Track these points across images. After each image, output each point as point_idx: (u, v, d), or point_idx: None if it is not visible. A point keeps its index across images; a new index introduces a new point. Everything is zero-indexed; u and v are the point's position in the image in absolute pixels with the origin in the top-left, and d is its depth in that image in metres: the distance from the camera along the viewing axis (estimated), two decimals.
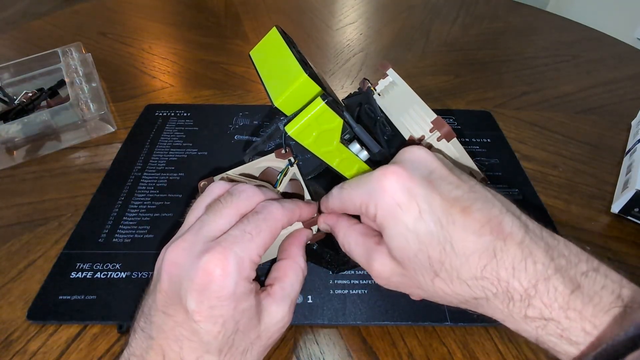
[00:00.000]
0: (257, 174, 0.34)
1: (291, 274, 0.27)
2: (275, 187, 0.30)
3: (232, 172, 0.32)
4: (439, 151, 0.28)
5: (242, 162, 0.33)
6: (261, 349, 0.25)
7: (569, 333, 0.20)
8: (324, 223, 0.29)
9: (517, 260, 0.20)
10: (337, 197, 0.26)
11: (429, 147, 0.27)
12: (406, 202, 0.22)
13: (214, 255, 0.22)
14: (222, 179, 0.30)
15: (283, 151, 0.32)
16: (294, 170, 0.31)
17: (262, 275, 0.28)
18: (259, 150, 0.27)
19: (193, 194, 0.44)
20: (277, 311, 0.25)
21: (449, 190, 0.22)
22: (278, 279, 0.27)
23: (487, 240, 0.21)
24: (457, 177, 0.23)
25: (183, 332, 0.23)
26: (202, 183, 0.31)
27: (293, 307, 0.26)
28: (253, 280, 0.24)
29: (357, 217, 0.28)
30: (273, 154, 0.33)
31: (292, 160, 0.32)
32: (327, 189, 0.28)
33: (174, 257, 0.23)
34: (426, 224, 0.22)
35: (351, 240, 0.27)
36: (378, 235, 0.26)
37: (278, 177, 0.31)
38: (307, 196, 0.30)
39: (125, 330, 0.33)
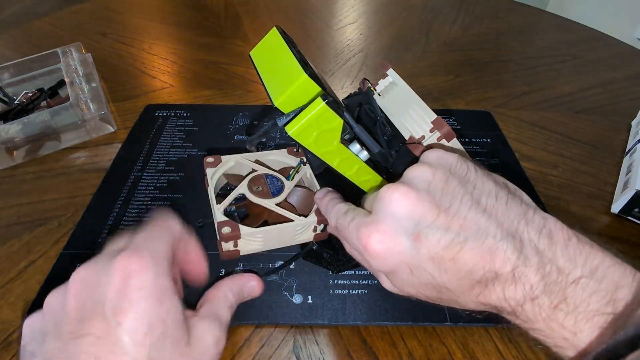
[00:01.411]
0: (267, 164, 0.35)
1: (219, 299, 0.27)
2: (288, 180, 0.33)
3: (242, 157, 0.33)
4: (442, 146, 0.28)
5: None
6: None
7: (552, 339, 0.22)
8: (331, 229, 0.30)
9: (508, 284, 0.21)
10: (339, 230, 0.27)
11: (428, 147, 0.27)
12: (396, 266, 0.23)
13: (127, 253, 0.22)
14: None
15: (295, 150, 0.34)
16: (307, 169, 0.33)
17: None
18: (254, 143, 0.27)
19: (193, 193, 0.44)
20: (207, 329, 0.24)
21: (437, 239, 0.21)
22: (207, 301, 0.27)
23: (479, 275, 0.21)
24: (446, 213, 0.22)
25: (103, 348, 0.20)
26: (208, 159, 0.32)
27: (224, 330, 0.25)
28: (174, 286, 0.23)
29: None
30: (285, 150, 0.34)
31: (305, 160, 0.33)
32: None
33: (81, 276, 0.22)
34: (419, 278, 0.23)
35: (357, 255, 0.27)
36: None
37: (291, 173, 0.34)
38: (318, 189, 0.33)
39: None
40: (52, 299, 0.23)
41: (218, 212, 0.30)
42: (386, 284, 0.27)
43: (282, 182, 0.33)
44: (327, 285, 0.36)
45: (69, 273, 0.36)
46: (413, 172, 0.23)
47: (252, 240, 0.28)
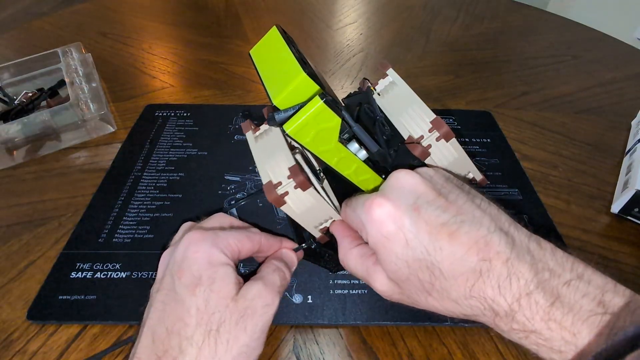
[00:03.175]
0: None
1: (263, 266, 0.30)
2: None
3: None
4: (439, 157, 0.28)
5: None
6: (238, 329, 0.25)
7: (551, 343, 0.21)
8: (332, 229, 0.32)
9: (502, 278, 0.21)
10: (343, 213, 0.29)
11: (428, 148, 0.27)
12: (393, 233, 0.23)
13: (194, 230, 0.28)
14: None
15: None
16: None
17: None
18: (242, 204, 0.28)
19: (193, 193, 0.44)
20: (250, 287, 0.27)
21: (436, 216, 0.23)
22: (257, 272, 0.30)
23: (473, 262, 0.22)
24: (445, 198, 0.23)
25: (169, 298, 0.25)
26: (246, 122, 0.32)
27: (269, 289, 0.27)
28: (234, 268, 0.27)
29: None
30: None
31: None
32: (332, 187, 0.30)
33: (166, 252, 0.29)
34: (414, 252, 0.23)
35: (350, 262, 0.29)
36: (375, 254, 0.27)
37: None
38: (332, 194, 0.32)
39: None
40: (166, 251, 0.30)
41: (290, 155, 0.27)
42: (378, 283, 0.26)
43: (315, 169, 0.32)
44: (327, 285, 0.36)
45: (69, 273, 0.36)
46: (421, 168, 0.26)
47: (304, 199, 0.27)
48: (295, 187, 0.26)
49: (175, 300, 0.25)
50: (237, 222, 0.32)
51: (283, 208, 0.27)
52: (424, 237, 0.22)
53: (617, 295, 0.21)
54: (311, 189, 0.26)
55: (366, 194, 0.27)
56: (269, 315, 0.27)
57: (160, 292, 0.26)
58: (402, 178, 0.25)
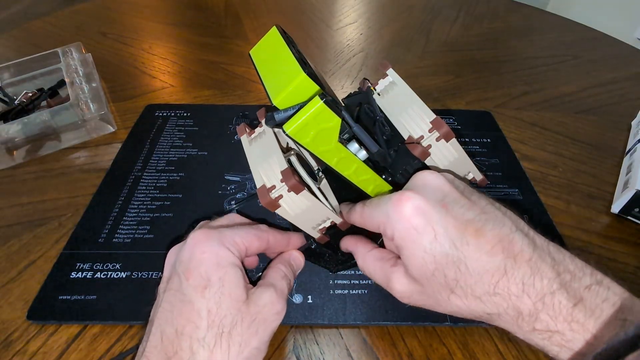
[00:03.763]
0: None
1: (270, 272, 0.30)
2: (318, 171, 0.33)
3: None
4: (447, 171, 0.28)
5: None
6: (249, 331, 0.25)
7: (572, 344, 0.21)
8: (344, 245, 0.32)
9: (527, 276, 0.22)
10: (359, 214, 0.28)
11: (428, 149, 0.27)
12: (422, 226, 0.23)
13: (200, 230, 0.27)
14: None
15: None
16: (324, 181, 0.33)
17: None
18: (242, 205, 0.29)
19: (193, 193, 0.44)
20: (261, 293, 0.27)
21: (462, 213, 0.23)
22: (262, 277, 0.30)
23: (499, 259, 0.22)
24: (468, 199, 0.24)
25: (177, 299, 0.25)
26: (241, 125, 0.32)
27: (280, 295, 0.28)
28: (241, 267, 0.27)
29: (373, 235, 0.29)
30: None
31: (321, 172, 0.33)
32: (332, 187, 0.30)
33: (172, 251, 0.29)
34: (442, 246, 0.23)
35: (369, 266, 0.29)
36: (394, 257, 0.27)
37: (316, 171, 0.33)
38: (333, 199, 0.32)
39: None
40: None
41: (283, 159, 0.27)
42: (399, 284, 0.26)
43: (313, 169, 0.32)
44: (328, 285, 0.36)
45: (69, 273, 0.36)
46: (442, 173, 0.26)
47: (299, 201, 0.27)
48: (289, 191, 0.26)
49: (183, 302, 0.25)
50: (247, 221, 0.32)
51: (278, 211, 0.27)
52: (452, 231, 0.23)
53: (635, 303, 0.21)
54: (305, 192, 0.26)
55: (388, 193, 0.27)
56: (278, 322, 0.27)
57: (168, 292, 0.26)
58: (428, 177, 0.25)
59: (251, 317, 0.26)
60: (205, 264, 0.26)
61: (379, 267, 0.28)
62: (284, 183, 0.26)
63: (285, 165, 0.26)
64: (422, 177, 0.26)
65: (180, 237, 0.31)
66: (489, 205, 0.24)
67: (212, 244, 0.26)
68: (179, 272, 0.26)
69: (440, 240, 0.23)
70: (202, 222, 0.31)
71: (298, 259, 0.32)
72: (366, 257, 0.29)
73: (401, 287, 0.26)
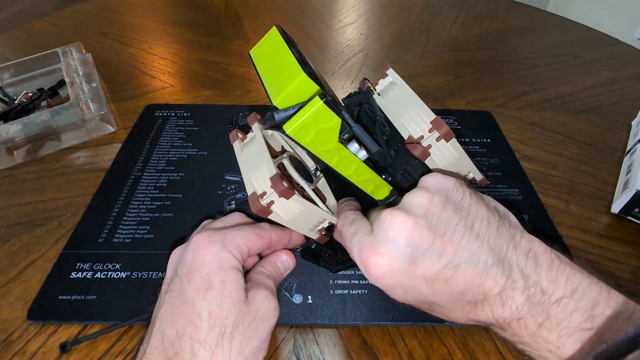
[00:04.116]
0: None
1: (256, 274, 0.30)
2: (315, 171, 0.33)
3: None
4: (449, 172, 0.28)
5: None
6: (249, 331, 0.26)
7: (538, 351, 0.24)
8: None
9: (496, 306, 0.23)
10: (342, 236, 0.28)
11: (428, 149, 0.27)
12: (392, 287, 0.25)
13: (203, 232, 0.27)
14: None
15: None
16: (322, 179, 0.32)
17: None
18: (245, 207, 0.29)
19: (193, 193, 0.44)
20: (257, 292, 0.27)
21: (432, 263, 0.23)
22: (248, 280, 0.29)
23: (469, 296, 0.23)
24: (441, 239, 0.23)
25: (178, 300, 0.25)
26: (233, 132, 0.31)
27: (273, 294, 0.28)
28: (240, 268, 0.27)
29: None
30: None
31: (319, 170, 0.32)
32: (332, 186, 0.31)
33: (176, 252, 0.29)
34: (413, 296, 0.25)
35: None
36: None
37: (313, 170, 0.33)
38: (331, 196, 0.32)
39: (69, 349, 0.32)
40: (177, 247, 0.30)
41: (272, 165, 0.27)
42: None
43: (308, 170, 0.32)
44: (327, 285, 0.36)
45: (69, 273, 0.36)
46: (412, 198, 0.25)
47: (291, 206, 0.27)
48: (279, 196, 0.26)
49: (185, 304, 0.25)
50: (250, 220, 0.32)
51: (271, 217, 0.27)
52: (422, 286, 0.24)
53: (608, 307, 0.22)
54: (295, 196, 0.26)
55: (360, 225, 0.27)
56: (275, 319, 0.28)
57: (169, 294, 0.26)
58: (394, 228, 0.24)
59: (251, 316, 0.26)
60: (207, 267, 0.26)
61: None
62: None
63: (274, 171, 0.26)
64: (388, 226, 0.24)
65: (182, 238, 0.31)
66: (465, 238, 0.23)
67: (214, 247, 0.26)
68: (180, 274, 0.26)
69: (411, 293, 0.25)
70: (205, 222, 0.31)
71: (286, 262, 0.32)
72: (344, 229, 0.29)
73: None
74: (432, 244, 0.23)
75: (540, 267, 0.23)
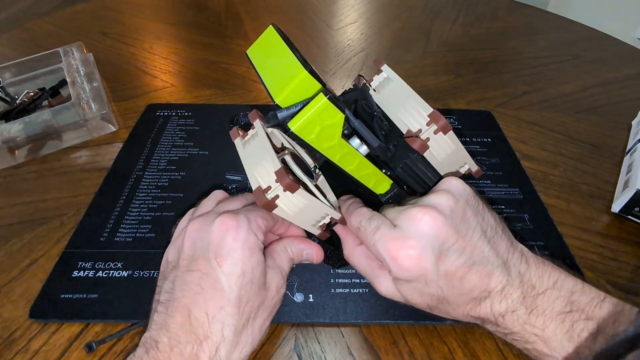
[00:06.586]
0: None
1: (279, 252, 0.31)
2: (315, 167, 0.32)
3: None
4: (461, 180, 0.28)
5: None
6: (265, 314, 0.28)
7: (525, 337, 0.26)
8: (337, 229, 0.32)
9: (496, 302, 0.26)
10: (356, 230, 0.29)
11: (426, 142, 0.27)
12: (416, 277, 0.26)
13: (227, 214, 0.28)
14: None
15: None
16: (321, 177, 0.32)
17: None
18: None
19: (194, 193, 0.44)
20: (273, 277, 0.29)
21: (454, 259, 0.26)
22: (270, 252, 0.30)
23: (475, 294, 0.26)
24: (463, 238, 0.26)
25: (207, 282, 0.26)
26: (233, 129, 0.31)
27: (284, 279, 0.30)
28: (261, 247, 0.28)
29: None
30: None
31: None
32: (330, 182, 0.31)
33: (194, 227, 0.28)
34: (430, 290, 0.27)
35: (355, 260, 0.31)
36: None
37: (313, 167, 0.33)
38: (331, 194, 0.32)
39: (95, 349, 0.32)
40: (176, 237, 0.30)
41: (276, 159, 0.27)
42: (383, 287, 0.29)
43: (309, 167, 0.32)
44: (329, 284, 0.36)
45: (71, 272, 0.36)
46: (439, 199, 0.27)
47: (295, 201, 0.27)
48: (284, 190, 0.26)
49: (214, 288, 0.26)
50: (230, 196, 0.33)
51: (276, 212, 0.27)
52: (442, 280, 0.26)
53: (583, 295, 0.26)
54: (300, 190, 0.26)
55: (381, 221, 0.27)
56: (280, 302, 0.30)
57: (195, 273, 0.26)
58: (426, 223, 0.25)
59: (268, 302, 0.28)
60: (238, 252, 0.26)
61: (365, 263, 0.30)
62: (278, 183, 0.26)
63: (279, 165, 0.26)
64: (418, 224, 0.26)
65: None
66: (481, 240, 0.26)
67: (243, 232, 0.27)
68: (209, 256, 0.26)
69: (430, 285, 0.26)
70: (218, 196, 0.32)
71: (312, 255, 0.32)
72: (354, 251, 0.31)
73: (386, 291, 0.29)
74: (455, 242, 0.26)
75: (530, 267, 0.27)
